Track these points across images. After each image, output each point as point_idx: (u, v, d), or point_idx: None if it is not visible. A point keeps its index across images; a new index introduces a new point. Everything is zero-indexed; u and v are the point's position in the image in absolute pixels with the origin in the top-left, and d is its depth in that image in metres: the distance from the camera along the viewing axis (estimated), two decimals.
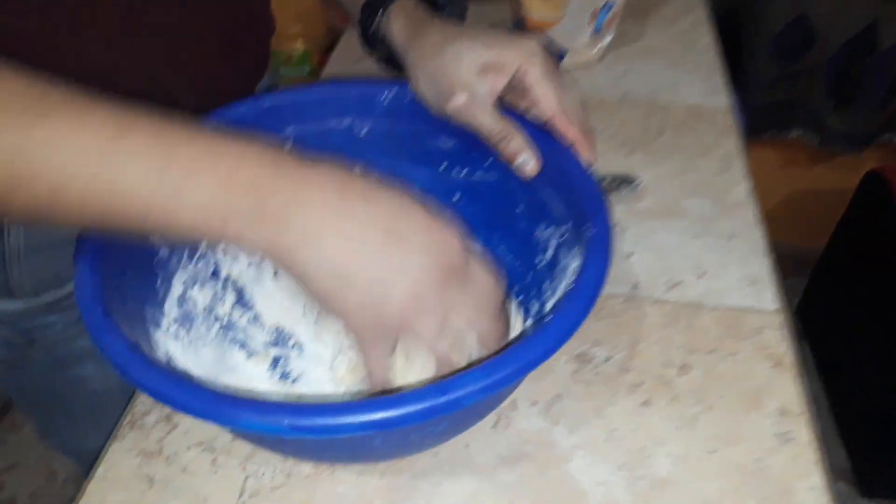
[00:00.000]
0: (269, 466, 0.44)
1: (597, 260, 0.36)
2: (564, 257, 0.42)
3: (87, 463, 0.46)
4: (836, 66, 1.38)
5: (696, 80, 0.76)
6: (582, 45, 0.78)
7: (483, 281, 0.35)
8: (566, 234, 0.42)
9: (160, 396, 0.32)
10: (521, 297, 0.48)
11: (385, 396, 0.30)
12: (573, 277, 0.37)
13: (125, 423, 0.47)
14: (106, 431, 0.64)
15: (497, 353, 0.32)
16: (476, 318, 0.34)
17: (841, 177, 1.50)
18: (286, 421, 0.30)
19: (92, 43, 0.43)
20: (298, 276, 0.32)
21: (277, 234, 0.31)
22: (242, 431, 0.37)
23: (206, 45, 0.50)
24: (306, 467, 0.44)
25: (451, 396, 0.30)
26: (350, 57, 0.83)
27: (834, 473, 1.51)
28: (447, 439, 0.42)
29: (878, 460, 1.34)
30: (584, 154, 0.44)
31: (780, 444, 0.44)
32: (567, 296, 0.35)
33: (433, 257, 0.33)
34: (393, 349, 0.35)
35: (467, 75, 0.44)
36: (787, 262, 1.64)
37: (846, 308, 1.48)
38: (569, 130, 0.44)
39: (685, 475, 0.43)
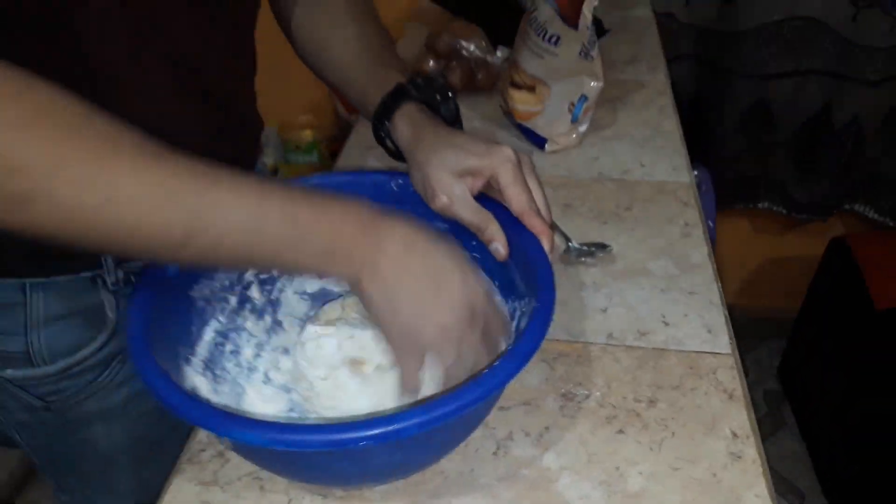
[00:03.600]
0: (308, 492, 0.52)
1: (532, 331, 0.45)
2: (524, 325, 0.51)
3: None
4: (796, 144, 1.52)
5: (662, 161, 0.88)
6: (561, 133, 0.90)
7: (492, 323, 0.48)
8: (525, 308, 0.52)
9: (176, 411, 0.41)
10: None
11: (349, 422, 0.40)
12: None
13: (184, 459, 0.55)
14: (115, 493, 0.71)
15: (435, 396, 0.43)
16: (480, 351, 0.47)
17: (810, 243, 1.61)
18: (268, 435, 0.39)
19: None
20: (365, 302, 0.47)
21: (360, 272, 0.45)
22: (237, 442, 0.45)
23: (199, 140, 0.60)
24: (338, 491, 0.52)
25: (395, 427, 0.39)
26: (363, 144, 0.94)
27: None
28: (422, 463, 0.51)
29: None
30: (544, 243, 0.53)
31: (732, 462, 0.53)
32: (494, 365, 0.44)
33: (462, 304, 0.46)
34: (421, 363, 0.46)
35: (448, 179, 0.54)
36: (766, 325, 1.75)
37: (823, 369, 1.55)
38: (534, 224, 0.53)
39: (654, 489, 0.52)
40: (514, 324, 0.54)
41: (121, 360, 0.62)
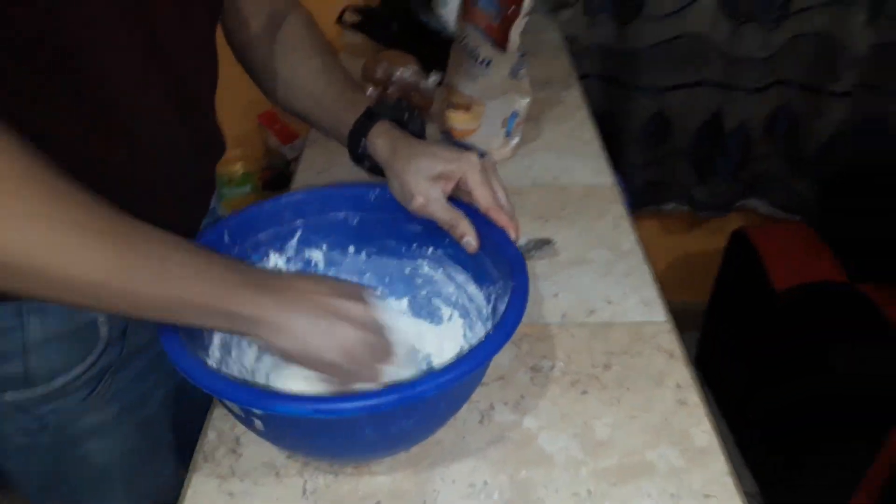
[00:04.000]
0: (320, 471, 0.58)
1: (515, 304, 0.54)
2: (500, 305, 0.58)
3: None
4: (693, 149, 1.69)
5: (585, 166, 0.99)
6: (496, 147, 1.00)
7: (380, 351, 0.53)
8: (500, 291, 0.60)
9: (221, 393, 0.47)
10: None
11: (368, 391, 0.47)
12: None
13: (199, 458, 0.60)
14: None
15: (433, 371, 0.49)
16: (375, 368, 0.53)
17: (714, 238, 1.78)
18: (310, 406, 0.46)
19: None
20: (279, 349, 0.51)
21: (268, 323, 0.49)
22: (280, 415, 0.49)
23: (185, 155, 0.65)
24: (348, 468, 0.59)
25: (418, 389, 0.46)
26: (312, 170, 1.01)
27: (745, 497, 1.70)
28: (427, 430, 0.58)
29: (782, 483, 1.53)
30: (511, 234, 0.61)
31: (679, 407, 0.63)
32: (484, 338, 0.52)
33: (347, 343, 0.51)
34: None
35: (424, 183, 0.61)
36: (681, 318, 1.90)
37: (735, 354, 1.71)
38: (500, 218, 0.61)
39: (618, 435, 0.61)
40: (491, 305, 0.62)
41: (112, 371, 0.65)
